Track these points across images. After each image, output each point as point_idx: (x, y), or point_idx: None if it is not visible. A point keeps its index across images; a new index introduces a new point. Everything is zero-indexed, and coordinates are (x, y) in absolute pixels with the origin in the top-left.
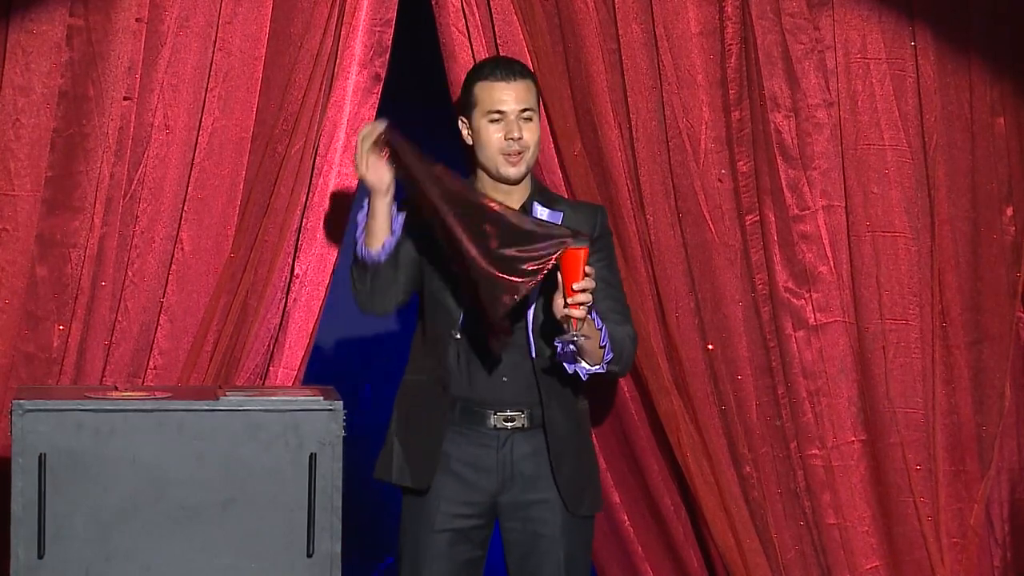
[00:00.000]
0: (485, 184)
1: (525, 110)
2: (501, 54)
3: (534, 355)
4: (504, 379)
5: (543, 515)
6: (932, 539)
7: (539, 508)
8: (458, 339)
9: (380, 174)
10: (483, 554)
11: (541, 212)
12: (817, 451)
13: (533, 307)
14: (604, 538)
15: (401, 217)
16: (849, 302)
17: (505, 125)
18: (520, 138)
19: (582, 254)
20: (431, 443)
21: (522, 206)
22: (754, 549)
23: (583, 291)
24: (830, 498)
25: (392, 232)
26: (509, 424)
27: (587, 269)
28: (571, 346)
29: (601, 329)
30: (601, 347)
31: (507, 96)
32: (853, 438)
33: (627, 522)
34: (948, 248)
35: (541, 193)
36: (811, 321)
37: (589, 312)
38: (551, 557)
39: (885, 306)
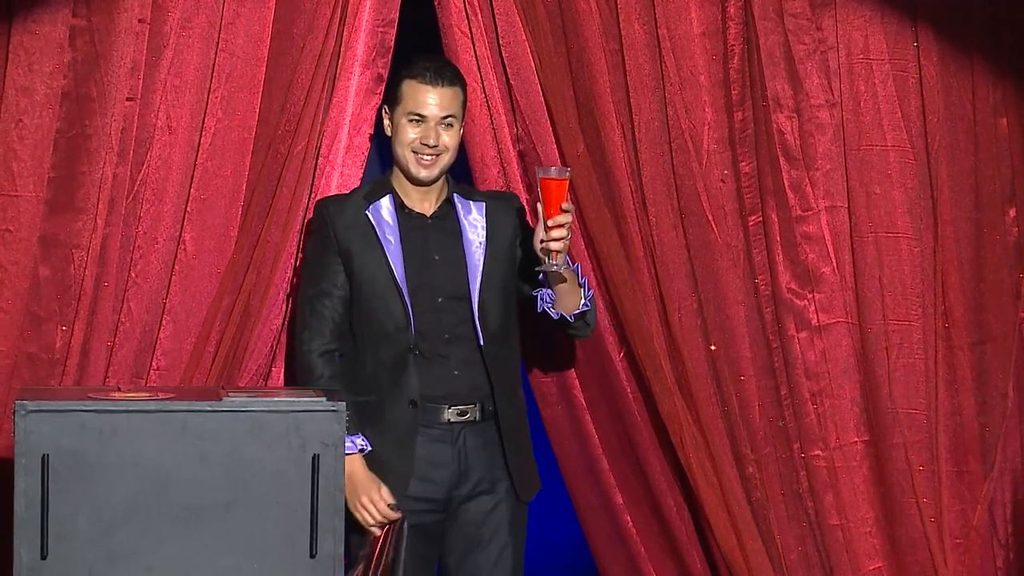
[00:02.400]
0: (401, 181)
1: (447, 117)
2: (503, 55)
3: (482, 343)
4: (455, 372)
5: (492, 506)
6: (935, 540)
7: (488, 499)
8: (413, 346)
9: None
10: (436, 551)
11: (463, 204)
12: (820, 452)
13: (477, 298)
14: (607, 539)
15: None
16: (852, 303)
17: (423, 129)
18: (435, 145)
19: (560, 185)
20: (403, 457)
21: (445, 200)
22: (757, 550)
23: (559, 226)
24: (833, 499)
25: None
26: (463, 418)
27: (565, 204)
28: (552, 272)
29: (576, 269)
30: (580, 285)
31: (431, 100)
32: (856, 439)
33: (630, 523)
34: (951, 249)
35: (459, 188)
36: (814, 322)
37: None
38: (496, 542)
39: (888, 307)
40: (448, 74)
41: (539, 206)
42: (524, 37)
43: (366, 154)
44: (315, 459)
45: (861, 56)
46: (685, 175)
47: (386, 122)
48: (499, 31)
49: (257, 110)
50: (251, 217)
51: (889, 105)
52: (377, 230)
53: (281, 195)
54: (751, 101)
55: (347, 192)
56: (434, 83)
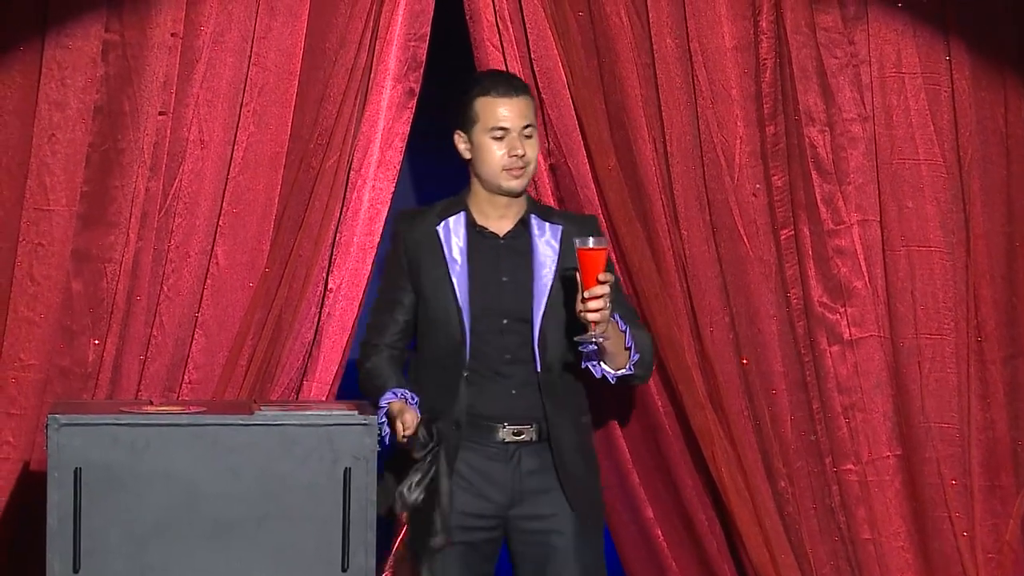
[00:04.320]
0: (480, 199)
1: (527, 126)
2: (535, 69)
3: (539, 369)
4: (513, 392)
5: (554, 528)
6: (967, 555)
7: (550, 522)
8: (469, 361)
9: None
10: (491, 568)
11: (539, 225)
12: (852, 466)
13: (539, 323)
14: (638, 553)
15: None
16: (884, 317)
17: (508, 142)
18: (523, 155)
19: (598, 256)
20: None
21: (521, 219)
22: (789, 564)
23: (596, 297)
24: (865, 513)
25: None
26: (518, 437)
27: (602, 275)
28: (592, 346)
29: (624, 331)
30: (627, 348)
31: (510, 112)
32: (888, 453)
33: (661, 537)
34: (983, 263)
35: (537, 207)
36: (846, 336)
37: (611, 315)
38: (566, 570)
39: (920, 321)
40: (518, 83)
41: (578, 275)
42: (556, 51)
43: (398, 168)
44: (347, 473)
45: (893, 70)
46: (717, 189)
47: (462, 146)
48: (531, 45)
49: (289, 124)
50: (283, 231)
51: (921, 119)
52: (445, 248)
53: (313, 209)
54: (783, 115)
55: (426, 206)
56: (508, 95)
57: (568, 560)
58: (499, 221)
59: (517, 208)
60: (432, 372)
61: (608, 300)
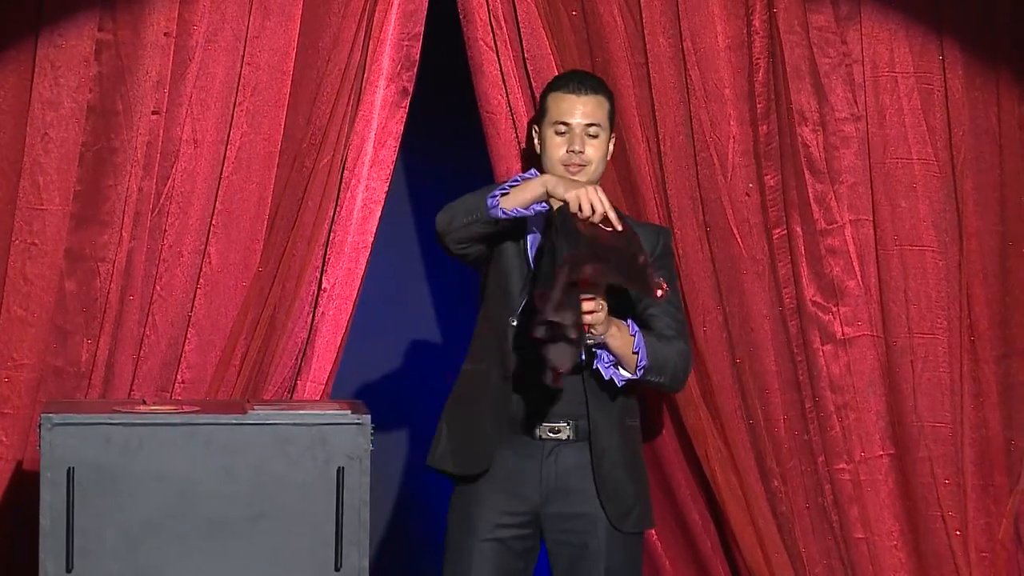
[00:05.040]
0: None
1: (591, 125)
2: (529, 68)
3: (582, 359)
4: (551, 388)
5: (587, 528)
6: (960, 553)
7: (582, 521)
8: (515, 346)
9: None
10: (526, 567)
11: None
12: (845, 465)
13: None
14: None
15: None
16: (877, 316)
17: (568, 138)
18: (581, 152)
19: None
20: (481, 429)
21: None
22: (782, 563)
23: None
24: (858, 512)
25: (527, 210)
26: (554, 435)
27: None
28: (594, 347)
29: (635, 335)
30: (634, 353)
31: (575, 109)
32: (881, 452)
33: (654, 536)
34: (976, 262)
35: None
36: (839, 335)
37: (625, 319)
38: (594, 571)
39: (913, 320)
40: (592, 83)
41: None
42: (549, 51)
43: (391, 167)
44: (340, 472)
45: (886, 69)
46: (710, 188)
47: (535, 140)
48: (524, 44)
49: (282, 123)
50: (276, 231)
51: (914, 118)
52: (528, 235)
53: (306, 208)
54: (776, 114)
55: None
56: (577, 91)
57: (598, 561)
58: None
59: None
60: (492, 338)
61: (599, 305)
